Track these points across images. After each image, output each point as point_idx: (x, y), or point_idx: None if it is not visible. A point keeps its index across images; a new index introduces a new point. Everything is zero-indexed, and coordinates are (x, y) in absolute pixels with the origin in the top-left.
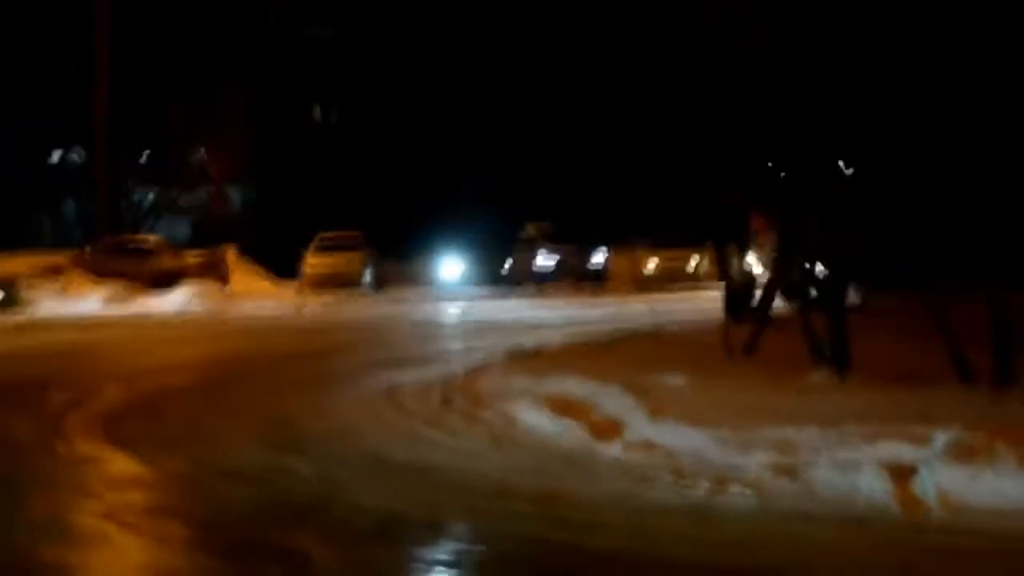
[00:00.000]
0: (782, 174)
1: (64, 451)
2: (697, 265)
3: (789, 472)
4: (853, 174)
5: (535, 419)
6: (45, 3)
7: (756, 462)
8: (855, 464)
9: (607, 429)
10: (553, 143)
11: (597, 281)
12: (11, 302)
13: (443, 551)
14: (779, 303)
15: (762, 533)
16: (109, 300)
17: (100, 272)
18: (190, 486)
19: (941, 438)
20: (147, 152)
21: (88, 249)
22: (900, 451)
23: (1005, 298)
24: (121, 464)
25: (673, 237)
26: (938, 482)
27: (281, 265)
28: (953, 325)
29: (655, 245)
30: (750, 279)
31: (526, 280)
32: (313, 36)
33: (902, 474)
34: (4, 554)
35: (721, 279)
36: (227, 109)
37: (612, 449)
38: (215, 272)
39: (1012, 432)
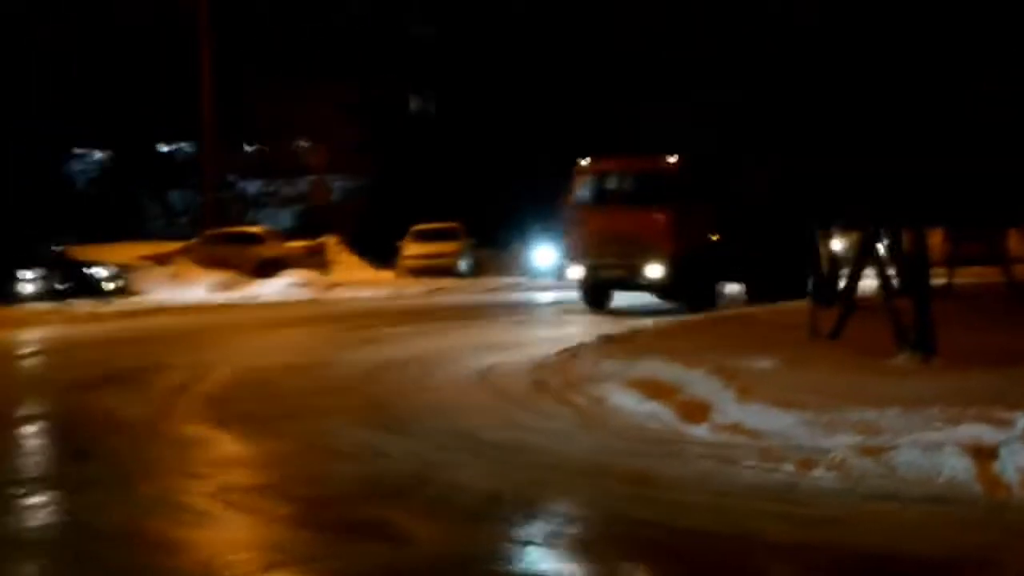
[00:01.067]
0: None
1: (172, 431)
2: None
3: (873, 453)
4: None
5: (625, 401)
6: (152, 5)
7: (841, 443)
8: (938, 445)
9: (695, 411)
10: (641, 136)
11: None
12: (124, 289)
13: (536, 530)
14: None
15: (847, 512)
16: (216, 287)
17: (207, 260)
18: (293, 465)
19: (1022, 421)
20: (252, 145)
21: (196, 238)
22: (982, 433)
23: None
24: (226, 444)
25: None
26: (1019, 463)
27: (380, 254)
28: None
29: None
30: (836, 265)
31: None
32: (414, 33)
33: (983, 455)
34: (116, 530)
35: (807, 266)
36: (328, 102)
37: (700, 431)
38: (316, 260)
39: None
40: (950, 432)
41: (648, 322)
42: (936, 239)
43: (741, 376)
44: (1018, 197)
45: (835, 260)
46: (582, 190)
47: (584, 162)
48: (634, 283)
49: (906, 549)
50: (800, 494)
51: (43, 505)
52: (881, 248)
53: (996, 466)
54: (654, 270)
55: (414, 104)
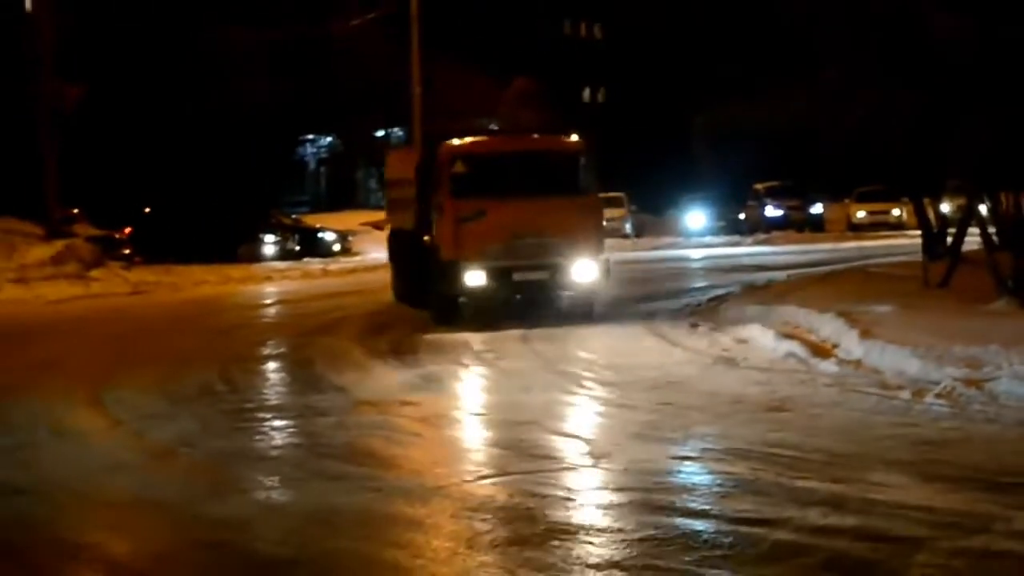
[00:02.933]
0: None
1: (390, 368)
2: (900, 214)
3: (976, 383)
4: None
5: (764, 340)
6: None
7: (948, 375)
8: None
9: (823, 349)
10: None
11: (816, 227)
12: (347, 250)
13: (689, 447)
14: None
15: (954, 434)
16: None
17: None
18: (490, 394)
19: None
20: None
21: None
22: None
23: None
24: (436, 379)
25: (878, 192)
26: None
27: None
28: None
29: (863, 199)
30: (944, 225)
31: (757, 228)
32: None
33: None
34: (342, 448)
35: (919, 226)
36: (512, 91)
37: (827, 365)
38: None
39: None
40: None
41: (784, 274)
42: None
43: (863, 319)
44: None
45: (944, 220)
46: (463, 174)
47: (457, 141)
48: (557, 288)
49: (1006, 464)
50: (914, 418)
51: (283, 428)
52: (983, 209)
53: None
54: (585, 272)
55: (586, 94)
